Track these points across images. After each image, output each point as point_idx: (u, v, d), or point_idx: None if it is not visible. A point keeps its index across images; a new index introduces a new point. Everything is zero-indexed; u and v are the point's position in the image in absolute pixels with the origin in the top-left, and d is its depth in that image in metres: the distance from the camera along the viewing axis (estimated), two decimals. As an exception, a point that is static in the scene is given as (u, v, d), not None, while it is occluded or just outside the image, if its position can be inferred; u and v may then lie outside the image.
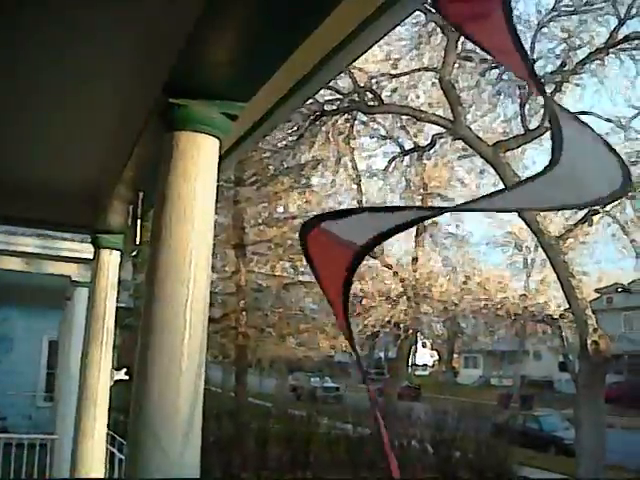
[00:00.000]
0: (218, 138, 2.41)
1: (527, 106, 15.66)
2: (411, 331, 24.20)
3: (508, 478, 18.51)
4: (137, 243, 3.23)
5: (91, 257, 7.97)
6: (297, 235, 2.04)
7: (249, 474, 19.82)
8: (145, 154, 3.12)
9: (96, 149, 3.73)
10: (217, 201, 2.35)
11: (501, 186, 12.61)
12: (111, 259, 4.73)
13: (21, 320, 17.69)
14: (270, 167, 21.86)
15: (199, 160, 2.35)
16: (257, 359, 26.20)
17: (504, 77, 15.86)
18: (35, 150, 3.81)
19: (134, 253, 5.47)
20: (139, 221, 3.82)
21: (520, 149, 16.71)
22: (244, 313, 22.43)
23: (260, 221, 23.69)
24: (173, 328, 2.27)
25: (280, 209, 23.13)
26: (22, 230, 8.11)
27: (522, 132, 15.44)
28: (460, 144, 17.87)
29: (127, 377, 4.68)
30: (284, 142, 19.76)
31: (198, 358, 2.29)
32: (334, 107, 17.30)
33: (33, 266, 7.83)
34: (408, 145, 20.86)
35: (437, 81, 15.66)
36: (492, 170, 15.40)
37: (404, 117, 18.90)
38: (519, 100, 15.85)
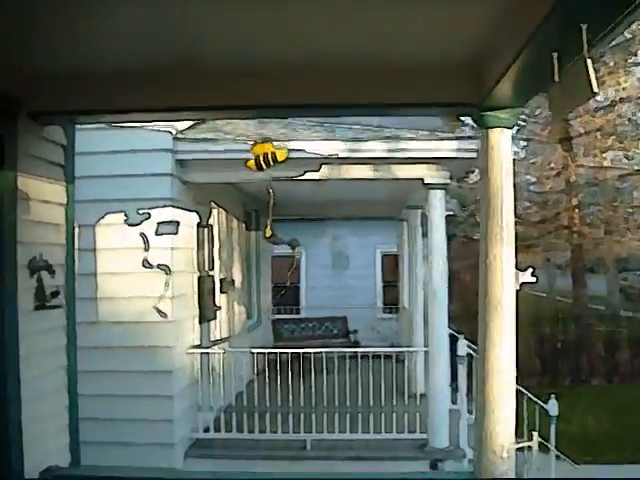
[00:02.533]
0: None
1: None
2: None
3: None
4: (593, 91, 2.34)
5: (443, 156, 7.41)
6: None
7: (599, 380, 18.59)
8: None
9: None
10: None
11: None
12: (502, 141, 3.93)
13: (354, 236, 18.23)
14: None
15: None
16: (597, 258, 24.29)
17: None
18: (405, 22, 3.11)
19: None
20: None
21: None
22: (577, 211, 20.74)
23: (583, 110, 21.47)
24: None
25: (609, 93, 20.63)
26: (366, 135, 7.73)
27: None
28: None
29: (534, 279, 3.85)
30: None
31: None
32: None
33: (380, 172, 7.40)
34: None
35: None
36: None
37: None
38: None
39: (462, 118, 19.59)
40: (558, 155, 21.11)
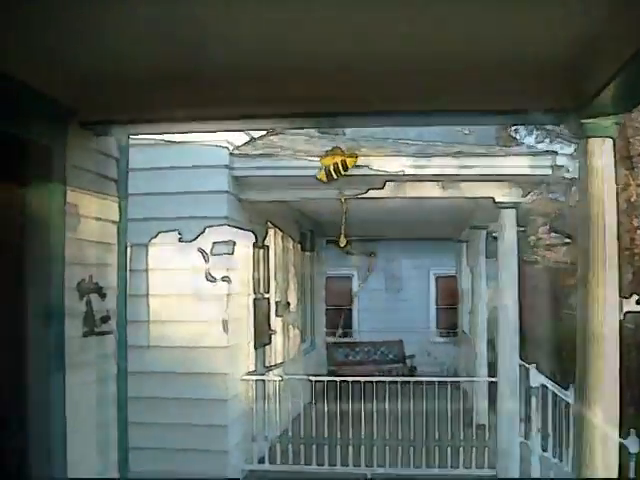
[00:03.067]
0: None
1: None
2: None
3: None
4: None
5: (516, 173, 6.93)
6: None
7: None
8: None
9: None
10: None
11: None
12: (605, 152, 3.47)
13: (407, 258, 17.71)
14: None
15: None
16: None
17: None
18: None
19: None
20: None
21: None
22: (638, 232, 19.82)
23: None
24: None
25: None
26: (434, 150, 7.31)
27: None
28: None
29: (640, 308, 3.37)
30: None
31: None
32: None
33: (448, 190, 6.95)
34: None
35: None
36: None
37: None
38: None
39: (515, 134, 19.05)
40: (619, 174, 20.28)
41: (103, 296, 3.98)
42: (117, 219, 4.18)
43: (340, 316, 16.72)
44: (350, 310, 17.64)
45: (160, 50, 3.00)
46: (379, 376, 7.73)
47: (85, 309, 3.79)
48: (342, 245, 5.50)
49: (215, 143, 6.81)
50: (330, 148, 4.02)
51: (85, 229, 3.79)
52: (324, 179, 4.06)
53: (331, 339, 14.60)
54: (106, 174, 4.10)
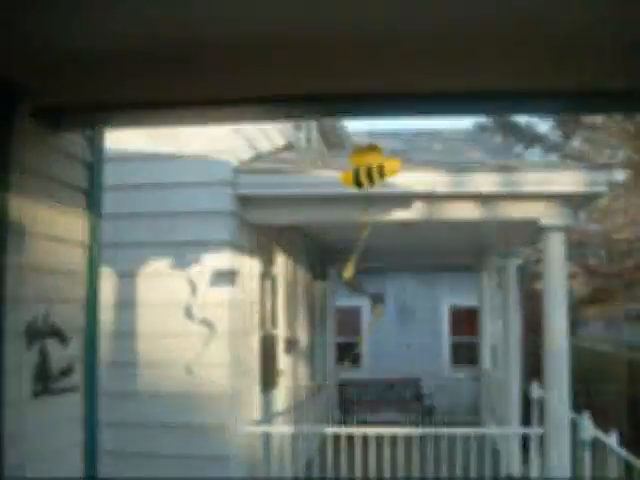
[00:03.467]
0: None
1: None
2: None
3: None
4: None
5: (568, 190, 5.95)
6: None
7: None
8: None
9: None
10: None
11: None
12: None
13: (420, 288, 16.76)
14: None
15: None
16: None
17: None
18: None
19: None
20: None
21: None
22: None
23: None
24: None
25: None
26: (475, 164, 6.36)
27: None
28: None
29: None
30: None
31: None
32: None
33: (487, 211, 5.99)
34: None
35: None
36: None
37: None
38: None
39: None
40: (638, 199, 19.37)
41: (64, 341, 3.01)
42: (86, 240, 3.21)
43: (350, 350, 15.76)
44: (359, 344, 16.72)
45: (138, 19, 2.11)
46: (394, 422, 6.63)
47: (37, 359, 2.82)
48: (347, 276, 4.55)
49: (217, 155, 5.87)
50: (365, 144, 3.00)
51: (39, 252, 2.82)
52: (349, 184, 3.05)
53: (342, 376, 13.53)
54: (71, 181, 3.14)
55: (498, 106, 3.28)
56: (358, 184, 3.07)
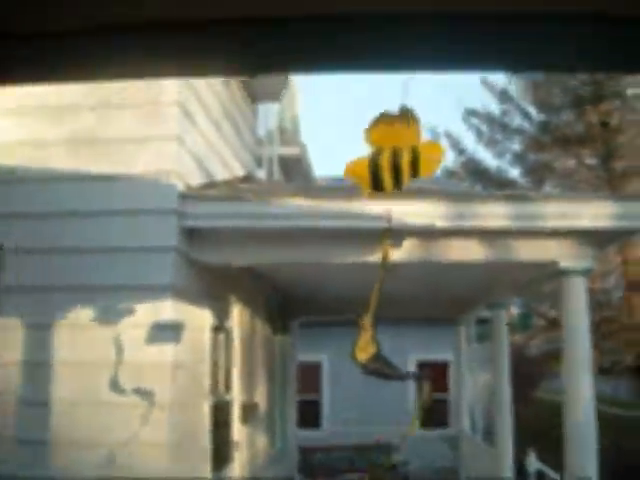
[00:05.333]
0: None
1: None
2: None
3: None
4: None
5: (594, 224, 4.82)
6: None
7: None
8: None
9: None
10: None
11: None
12: None
13: (385, 341, 15.56)
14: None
15: None
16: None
17: None
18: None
19: None
20: None
21: None
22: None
23: None
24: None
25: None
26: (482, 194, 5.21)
27: None
28: None
29: None
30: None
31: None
32: None
33: (495, 250, 4.85)
34: None
35: None
36: None
37: None
38: None
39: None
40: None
41: None
42: None
43: (310, 410, 14.50)
44: (318, 403, 15.50)
45: None
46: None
47: None
48: (367, 358, 3.32)
49: (159, 177, 4.63)
50: (394, 111, 1.78)
51: None
52: (362, 181, 1.81)
53: (304, 441, 12.13)
54: None
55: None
56: (377, 183, 1.84)
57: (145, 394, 4.41)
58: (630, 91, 16.21)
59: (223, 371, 6.26)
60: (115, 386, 4.31)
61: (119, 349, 4.35)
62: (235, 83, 7.11)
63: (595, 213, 4.68)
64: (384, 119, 1.80)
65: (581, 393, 4.87)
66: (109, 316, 4.36)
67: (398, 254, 4.89)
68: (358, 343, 3.33)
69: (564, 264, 4.84)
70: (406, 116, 1.77)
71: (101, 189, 4.55)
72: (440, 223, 4.63)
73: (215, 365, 5.89)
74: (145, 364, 4.47)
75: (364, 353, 3.48)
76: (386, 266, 2.72)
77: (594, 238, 4.79)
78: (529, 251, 4.89)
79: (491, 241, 4.80)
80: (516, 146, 18.47)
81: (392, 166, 1.81)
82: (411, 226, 4.69)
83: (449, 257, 4.90)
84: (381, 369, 4.32)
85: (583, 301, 4.93)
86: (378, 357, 4.12)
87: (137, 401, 4.41)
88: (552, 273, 5.00)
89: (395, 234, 4.77)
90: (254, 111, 8.31)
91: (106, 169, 4.53)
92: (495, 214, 4.70)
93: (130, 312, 4.38)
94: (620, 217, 4.61)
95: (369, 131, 1.82)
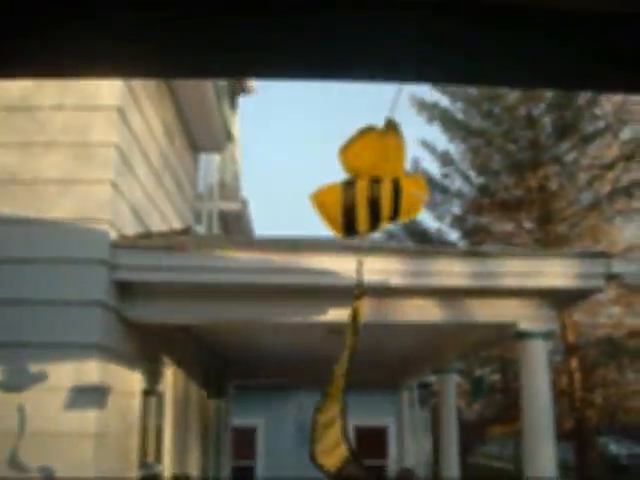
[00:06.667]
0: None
1: None
2: None
3: None
4: None
5: (556, 283, 4.52)
6: None
7: None
8: None
9: None
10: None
11: None
12: None
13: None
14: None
15: None
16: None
17: None
18: None
19: None
20: None
21: None
22: (577, 374, 17.95)
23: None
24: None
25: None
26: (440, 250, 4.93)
27: None
28: None
29: None
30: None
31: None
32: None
33: (451, 311, 4.54)
34: None
35: None
36: None
37: None
38: None
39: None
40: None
41: None
42: None
43: (244, 476, 13.90)
44: (252, 468, 14.91)
45: None
46: None
47: None
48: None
49: (88, 224, 4.18)
50: (381, 125, 1.42)
51: None
52: (330, 217, 1.44)
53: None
54: None
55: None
56: (349, 224, 1.47)
57: (50, 471, 3.84)
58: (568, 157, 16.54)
59: (154, 440, 5.71)
60: (16, 465, 3.73)
61: (22, 418, 3.79)
62: (177, 131, 6.75)
63: (558, 271, 4.44)
64: (363, 136, 1.43)
65: (542, 460, 4.54)
66: (20, 379, 3.83)
67: (343, 314, 4.53)
68: (320, 440, 2.48)
69: (523, 326, 4.56)
70: (391, 132, 1.41)
71: (19, 234, 4.07)
72: (395, 281, 4.30)
73: (145, 433, 5.34)
74: (64, 434, 3.93)
75: (331, 457, 2.53)
76: (357, 328, 2.33)
77: (555, 298, 4.53)
78: (487, 311, 4.60)
79: (448, 300, 4.49)
80: (456, 209, 18.53)
81: (369, 201, 1.45)
82: (367, 283, 4.34)
83: (401, 317, 4.56)
84: (356, 475, 2.89)
85: (544, 363, 4.66)
86: (351, 458, 2.86)
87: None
88: (510, 335, 4.71)
89: (342, 293, 4.42)
90: (196, 161, 7.95)
91: (26, 212, 4.07)
92: (452, 272, 4.40)
93: (46, 374, 3.85)
94: (582, 276, 4.37)
95: (344, 151, 1.46)
